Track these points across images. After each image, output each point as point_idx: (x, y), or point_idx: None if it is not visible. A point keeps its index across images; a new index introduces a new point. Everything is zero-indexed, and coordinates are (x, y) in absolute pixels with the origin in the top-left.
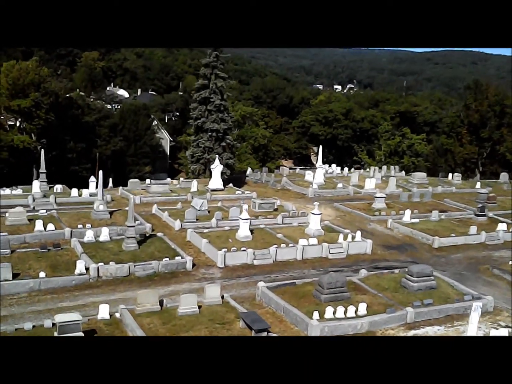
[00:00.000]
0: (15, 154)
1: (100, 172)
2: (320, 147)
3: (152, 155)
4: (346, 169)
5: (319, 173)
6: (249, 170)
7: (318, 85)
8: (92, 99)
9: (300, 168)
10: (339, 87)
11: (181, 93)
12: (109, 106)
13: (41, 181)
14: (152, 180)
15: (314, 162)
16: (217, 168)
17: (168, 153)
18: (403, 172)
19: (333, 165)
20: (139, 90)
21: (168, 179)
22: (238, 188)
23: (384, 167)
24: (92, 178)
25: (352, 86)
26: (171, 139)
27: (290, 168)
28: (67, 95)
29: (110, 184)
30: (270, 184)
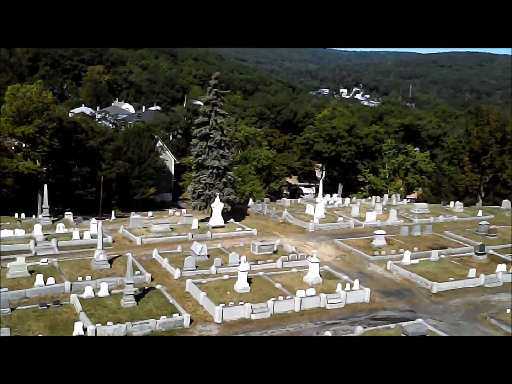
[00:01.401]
0: (20, 180)
1: (100, 222)
2: (321, 182)
3: (156, 176)
4: (347, 199)
5: (320, 207)
6: (250, 201)
7: (324, 89)
8: (97, 119)
9: (304, 186)
10: (345, 91)
11: (186, 111)
12: (112, 126)
13: (43, 216)
14: (153, 221)
15: (319, 177)
16: (217, 206)
17: (172, 172)
18: (405, 200)
19: (335, 195)
20: (143, 107)
21: (170, 214)
22: (239, 224)
23: (386, 196)
24: (93, 220)
25: (358, 89)
26: (175, 159)
27: (293, 188)
28: (72, 112)
29: (113, 217)
30: (271, 217)
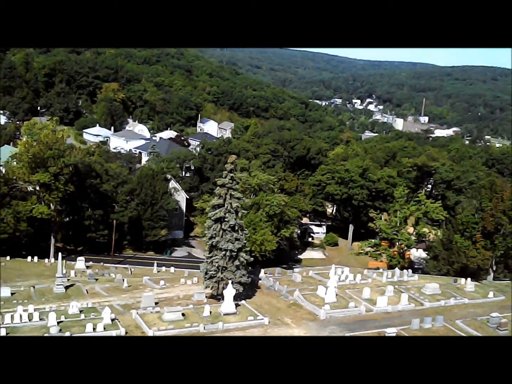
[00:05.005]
0: (33, 224)
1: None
2: (333, 266)
3: (168, 217)
4: (359, 275)
5: (331, 291)
6: (262, 272)
7: (337, 99)
8: (112, 152)
9: (315, 225)
10: (358, 102)
11: (200, 148)
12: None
13: (57, 285)
14: (166, 309)
15: (330, 212)
16: (229, 292)
17: (184, 210)
18: (416, 276)
19: (346, 269)
20: (157, 137)
21: (182, 283)
22: (250, 308)
23: (397, 270)
24: (106, 309)
25: (371, 101)
26: (188, 197)
27: (303, 227)
28: (86, 132)
29: (125, 284)
30: (282, 295)
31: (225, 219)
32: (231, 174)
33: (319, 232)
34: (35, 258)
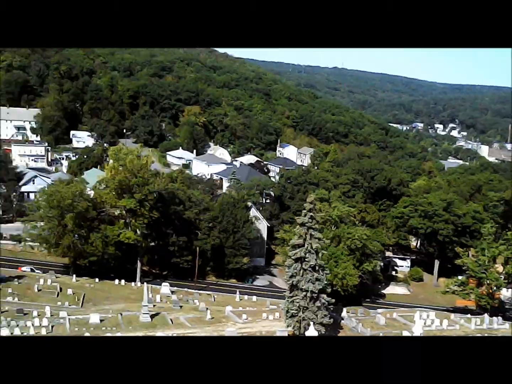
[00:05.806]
0: (121, 248)
1: None
2: (418, 312)
3: (250, 245)
4: (445, 321)
5: (418, 325)
6: (344, 311)
7: (418, 123)
8: (194, 177)
9: (399, 258)
10: (440, 126)
11: (279, 176)
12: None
13: (143, 313)
14: None
15: (414, 245)
16: (311, 334)
17: (265, 238)
18: (507, 325)
19: (431, 313)
20: (238, 163)
21: (264, 318)
22: None
23: (487, 317)
24: None
25: (454, 126)
26: (268, 225)
27: (387, 260)
28: (170, 155)
29: (209, 316)
30: None
31: (306, 259)
32: (311, 214)
33: (403, 265)
34: (122, 281)
